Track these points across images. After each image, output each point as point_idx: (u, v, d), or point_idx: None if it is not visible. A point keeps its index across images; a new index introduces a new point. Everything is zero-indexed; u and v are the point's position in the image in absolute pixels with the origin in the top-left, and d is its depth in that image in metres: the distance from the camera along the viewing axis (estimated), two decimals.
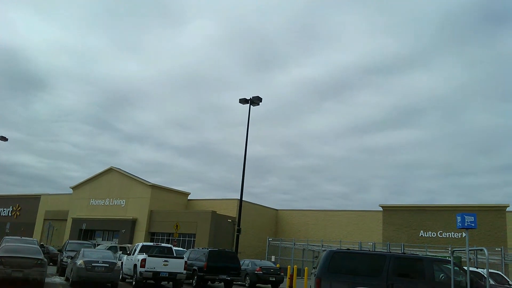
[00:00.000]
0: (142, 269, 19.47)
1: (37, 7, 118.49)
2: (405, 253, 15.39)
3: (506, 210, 40.11)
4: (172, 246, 24.71)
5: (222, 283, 23.35)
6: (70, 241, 27.99)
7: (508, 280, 17.78)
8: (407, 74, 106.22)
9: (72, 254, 22.49)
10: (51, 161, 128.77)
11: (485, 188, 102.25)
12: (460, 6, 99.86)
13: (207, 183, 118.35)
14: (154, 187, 53.66)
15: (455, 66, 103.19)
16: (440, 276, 12.30)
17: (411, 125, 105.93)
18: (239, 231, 29.07)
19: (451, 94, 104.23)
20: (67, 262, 22.53)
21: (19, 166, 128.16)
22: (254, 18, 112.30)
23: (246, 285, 26.73)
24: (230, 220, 48.73)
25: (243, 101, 30.49)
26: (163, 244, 24.46)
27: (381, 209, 45.84)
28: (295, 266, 26.49)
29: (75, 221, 57.28)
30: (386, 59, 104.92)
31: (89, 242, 31.42)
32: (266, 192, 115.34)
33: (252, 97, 30.17)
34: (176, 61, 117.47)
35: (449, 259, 12.28)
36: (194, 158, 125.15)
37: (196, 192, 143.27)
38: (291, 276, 24.40)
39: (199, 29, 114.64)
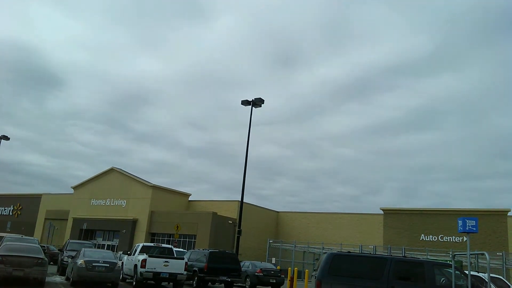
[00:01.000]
0: (143, 270, 19.48)
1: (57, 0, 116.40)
2: (406, 257, 15.37)
3: (508, 214, 40.02)
4: (172, 247, 24.72)
5: (223, 285, 23.35)
6: (71, 241, 28.04)
7: (509, 284, 17.73)
8: (433, 75, 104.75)
9: (73, 253, 22.52)
10: (60, 161, 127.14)
11: (499, 192, 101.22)
12: (496, 7, 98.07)
13: (215, 185, 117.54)
14: (155, 187, 53.67)
15: (484, 68, 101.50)
16: (441, 280, 12.27)
17: (430, 127, 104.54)
18: (239, 232, 29.06)
19: (476, 96, 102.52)
20: (67, 261, 22.56)
21: (26, 165, 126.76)
22: (279, 16, 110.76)
23: (247, 286, 26.71)
24: (231, 222, 48.72)
25: (245, 102, 30.50)
26: (163, 245, 24.48)
27: (382, 212, 45.80)
28: (296, 268, 26.46)
29: (76, 221, 57.32)
30: (413, 59, 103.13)
31: (89, 242, 31.46)
32: (274, 194, 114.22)
33: (254, 98, 30.21)
34: (196, 59, 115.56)
35: (450, 263, 12.26)
36: (204, 159, 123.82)
37: (204, 194, 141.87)
38: (292, 278, 24.37)
39: (223, 27, 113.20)
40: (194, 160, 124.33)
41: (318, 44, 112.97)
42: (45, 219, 64.50)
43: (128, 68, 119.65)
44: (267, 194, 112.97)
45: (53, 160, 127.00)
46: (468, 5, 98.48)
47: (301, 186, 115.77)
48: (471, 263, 12.13)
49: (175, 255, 22.45)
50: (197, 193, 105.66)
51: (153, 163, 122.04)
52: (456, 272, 11.81)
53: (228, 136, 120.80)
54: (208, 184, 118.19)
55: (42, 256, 16.38)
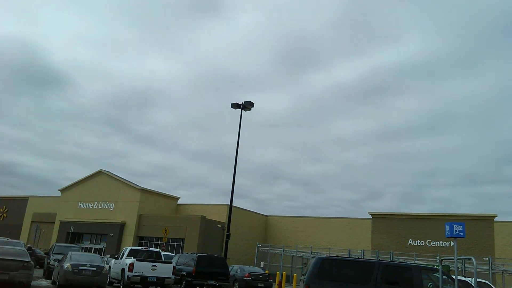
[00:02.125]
0: (130, 274, 19.34)
1: None
2: (393, 261, 15.45)
3: (494, 220, 40.45)
4: (160, 250, 24.58)
5: None
6: (57, 244, 27.73)
7: None
8: (449, 78, 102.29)
9: (59, 257, 22.28)
10: (56, 163, 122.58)
11: (505, 197, 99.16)
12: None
13: (213, 188, 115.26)
14: (144, 191, 53.35)
15: (502, 71, 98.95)
16: (429, 284, 12.36)
17: (440, 131, 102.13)
18: (228, 236, 28.99)
19: (492, 100, 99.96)
20: (54, 265, 22.30)
21: (19, 166, 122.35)
22: (293, 15, 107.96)
23: None
24: (220, 226, 48.58)
25: (235, 105, 30.49)
26: (151, 249, 24.32)
27: (370, 216, 46.00)
28: (284, 272, 26.43)
29: (63, 224, 56.71)
30: (430, 61, 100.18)
31: (76, 246, 31.15)
32: (272, 199, 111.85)
33: (244, 102, 30.23)
34: (206, 58, 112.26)
35: (438, 267, 12.34)
36: (205, 162, 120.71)
37: (201, 198, 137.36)
38: (280, 282, 24.37)
39: (235, 26, 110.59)
40: (195, 163, 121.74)
41: (332, 45, 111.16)
42: (31, 222, 63.73)
43: (135, 67, 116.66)
44: (266, 199, 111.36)
45: (48, 162, 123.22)
46: (485, 7, 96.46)
47: (301, 190, 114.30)
48: (458, 267, 12.22)
49: (163, 259, 22.32)
50: (193, 197, 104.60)
51: (151, 166, 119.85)
52: (444, 276, 11.90)
53: (232, 139, 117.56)
54: (206, 188, 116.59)
55: (28, 259, 16.17)
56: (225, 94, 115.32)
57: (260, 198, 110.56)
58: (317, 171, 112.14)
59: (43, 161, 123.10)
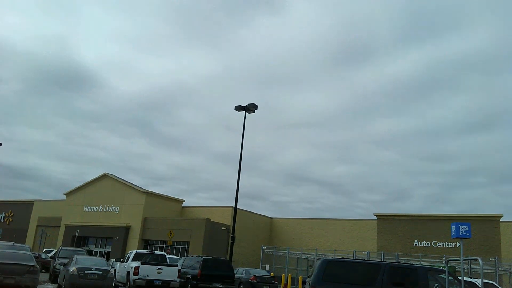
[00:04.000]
0: (135, 277, 19.36)
1: None
2: (399, 262, 15.39)
3: (500, 220, 40.24)
4: (165, 253, 24.59)
5: None
6: (63, 248, 27.80)
7: None
8: (506, 74, 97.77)
9: (65, 261, 22.33)
10: (77, 166, 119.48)
11: None
12: None
13: (232, 192, 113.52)
14: (148, 194, 53.41)
15: None
16: (435, 285, 12.30)
17: (487, 129, 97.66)
18: (233, 239, 28.96)
19: None
20: (59, 269, 22.35)
21: (40, 170, 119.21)
22: (347, 7, 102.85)
23: None
24: (225, 228, 48.56)
25: (238, 108, 30.47)
26: (156, 252, 24.36)
27: (375, 218, 45.84)
28: (289, 275, 26.41)
29: (68, 227, 56.85)
30: (493, 53, 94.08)
31: (82, 249, 31.21)
32: (291, 201, 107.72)
33: (248, 104, 30.18)
34: (248, 54, 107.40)
35: (444, 268, 12.28)
36: (229, 164, 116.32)
37: (221, 200, 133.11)
38: (285, 285, 24.33)
39: (282, 20, 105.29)
40: (222, 165, 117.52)
41: (390, 37, 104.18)
42: (37, 226, 63.95)
43: (167, 65, 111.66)
44: (285, 201, 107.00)
45: (70, 166, 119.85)
46: None
47: (324, 192, 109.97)
48: (464, 269, 12.16)
49: (168, 262, 22.34)
50: (211, 199, 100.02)
51: (173, 168, 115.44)
52: (450, 278, 11.84)
53: (263, 140, 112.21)
54: (225, 191, 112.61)
55: (33, 263, 16.24)
56: (264, 93, 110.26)
57: (279, 200, 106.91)
58: (346, 171, 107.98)
59: (64, 164, 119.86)
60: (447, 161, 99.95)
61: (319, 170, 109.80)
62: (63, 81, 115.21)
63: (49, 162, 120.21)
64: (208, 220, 48.08)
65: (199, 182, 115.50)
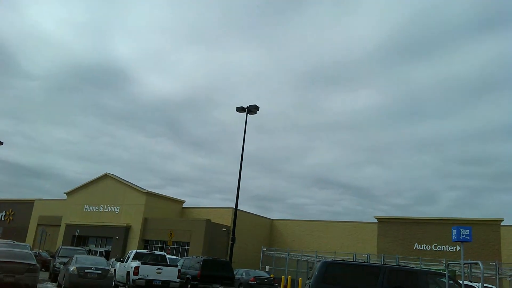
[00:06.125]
0: (135, 277, 19.35)
1: None
2: (399, 266, 15.37)
3: (501, 224, 40.16)
4: (166, 254, 24.59)
5: None
6: (63, 247, 27.80)
7: None
8: None
9: (65, 260, 22.34)
10: (98, 166, 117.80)
11: None
12: None
13: (249, 195, 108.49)
14: (149, 194, 53.44)
15: None
16: None
17: None
18: (233, 240, 28.91)
19: None
20: (59, 268, 22.36)
21: (61, 170, 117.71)
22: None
23: None
24: (225, 229, 48.55)
25: (240, 109, 30.37)
26: (156, 252, 24.35)
27: (376, 220, 45.78)
28: (289, 276, 26.39)
29: (69, 227, 56.91)
30: None
31: (82, 249, 31.22)
32: (309, 204, 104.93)
33: (250, 105, 30.10)
34: (299, 54, 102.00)
35: (444, 272, 12.26)
36: (256, 166, 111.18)
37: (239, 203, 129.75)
38: (285, 286, 24.30)
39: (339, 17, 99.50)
40: (243, 168, 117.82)
41: (454, 30, 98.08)
42: (37, 225, 64.03)
43: (201, 61, 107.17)
44: (302, 203, 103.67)
45: (90, 166, 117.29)
46: None
47: (348, 194, 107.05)
48: (464, 272, 12.13)
49: (168, 262, 22.33)
50: (226, 201, 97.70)
51: (197, 170, 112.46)
52: (450, 281, 11.81)
53: (293, 142, 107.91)
54: (241, 194, 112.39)
55: (33, 262, 16.23)
56: (304, 93, 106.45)
57: (296, 202, 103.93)
58: (377, 175, 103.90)
59: (84, 165, 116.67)
60: (484, 164, 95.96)
61: (348, 173, 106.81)
62: (93, 77, 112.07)
63: (68, 162, 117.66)
64: (208, 221, 48.08)
65: (218, 184, 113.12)
